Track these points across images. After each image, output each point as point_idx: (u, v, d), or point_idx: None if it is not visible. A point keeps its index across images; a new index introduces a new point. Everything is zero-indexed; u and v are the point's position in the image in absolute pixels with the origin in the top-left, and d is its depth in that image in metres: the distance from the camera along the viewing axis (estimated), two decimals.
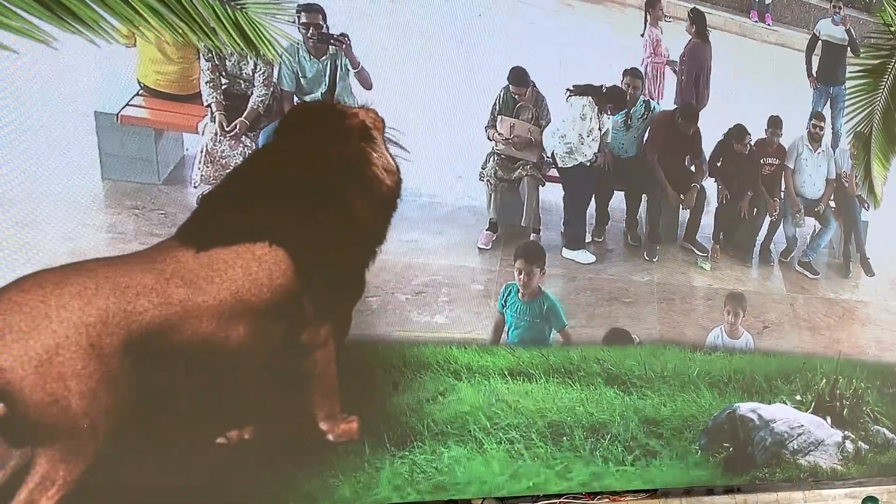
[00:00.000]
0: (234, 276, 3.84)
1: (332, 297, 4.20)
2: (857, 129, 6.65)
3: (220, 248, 3.87)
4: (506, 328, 5.06)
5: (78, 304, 3.45)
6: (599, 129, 5.44)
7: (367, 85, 4.77)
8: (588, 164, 5.45)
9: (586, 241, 5.49)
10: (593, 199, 5.56)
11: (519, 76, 5.22)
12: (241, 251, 3.89)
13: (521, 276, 5.07)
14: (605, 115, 5.46)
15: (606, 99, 5.47)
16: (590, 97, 5.40)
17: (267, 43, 4.39)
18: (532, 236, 5.35)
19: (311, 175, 4.16)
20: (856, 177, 6.73)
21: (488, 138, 5.22)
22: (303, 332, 4.11)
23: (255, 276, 3.89)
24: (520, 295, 5.04)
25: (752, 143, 6.10)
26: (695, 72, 5.85)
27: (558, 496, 5.22)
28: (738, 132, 5.99)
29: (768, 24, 6.37)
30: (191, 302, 3.71)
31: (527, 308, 5.04)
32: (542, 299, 5.09)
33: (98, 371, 3.46)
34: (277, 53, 4.49)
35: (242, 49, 4.33)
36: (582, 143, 5.40)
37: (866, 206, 6.74)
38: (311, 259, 4.04)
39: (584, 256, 5.46)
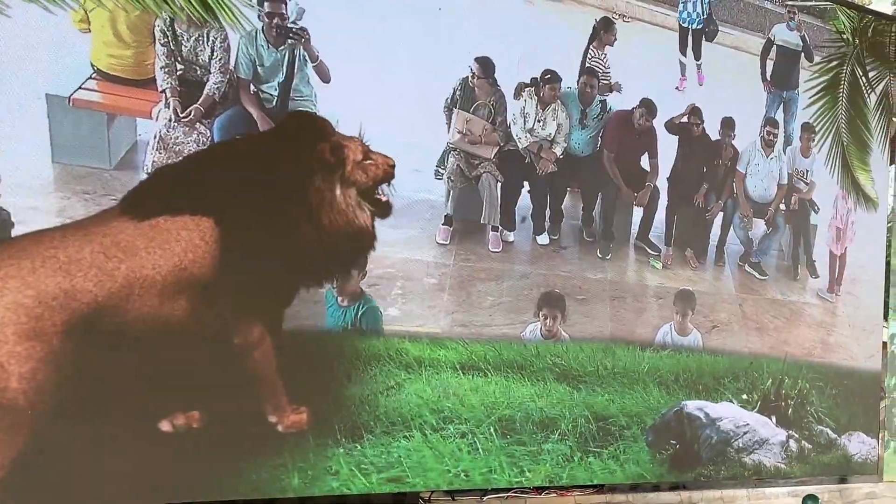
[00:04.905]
0: (176, 247, 3.79)
1: (257, 300, 4.18)
2: (829, 152, 6.80)
3: (163, 217, 3.83)
4: None
5: (15, 285, 3.41)
6: (539, 120, 5.50)
7: (325, 78, 4.76)
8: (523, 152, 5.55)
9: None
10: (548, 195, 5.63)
11: (486, 64, 5.26)
12: (185, 223, 3.84)
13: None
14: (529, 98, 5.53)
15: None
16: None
17: (225, 8, 4.33)
18: (491, 233, 5.39)
19: (269, 176, 4.17)
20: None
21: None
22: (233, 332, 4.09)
23: (198, 249, 3.84)
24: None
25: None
26: None
27: (507, 490, 5.26)
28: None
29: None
30: (133, 275, 3.66)
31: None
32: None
33: (38, 352, 3.41)
34: (236, 19, 4.43)
35: (200, 15, 4.27)
36: (518, 137, 5.51)
37: (816, 209, 6.87)
38: (240, 255, 4.00)
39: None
